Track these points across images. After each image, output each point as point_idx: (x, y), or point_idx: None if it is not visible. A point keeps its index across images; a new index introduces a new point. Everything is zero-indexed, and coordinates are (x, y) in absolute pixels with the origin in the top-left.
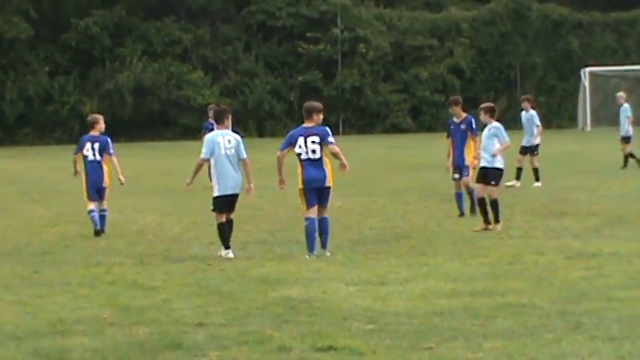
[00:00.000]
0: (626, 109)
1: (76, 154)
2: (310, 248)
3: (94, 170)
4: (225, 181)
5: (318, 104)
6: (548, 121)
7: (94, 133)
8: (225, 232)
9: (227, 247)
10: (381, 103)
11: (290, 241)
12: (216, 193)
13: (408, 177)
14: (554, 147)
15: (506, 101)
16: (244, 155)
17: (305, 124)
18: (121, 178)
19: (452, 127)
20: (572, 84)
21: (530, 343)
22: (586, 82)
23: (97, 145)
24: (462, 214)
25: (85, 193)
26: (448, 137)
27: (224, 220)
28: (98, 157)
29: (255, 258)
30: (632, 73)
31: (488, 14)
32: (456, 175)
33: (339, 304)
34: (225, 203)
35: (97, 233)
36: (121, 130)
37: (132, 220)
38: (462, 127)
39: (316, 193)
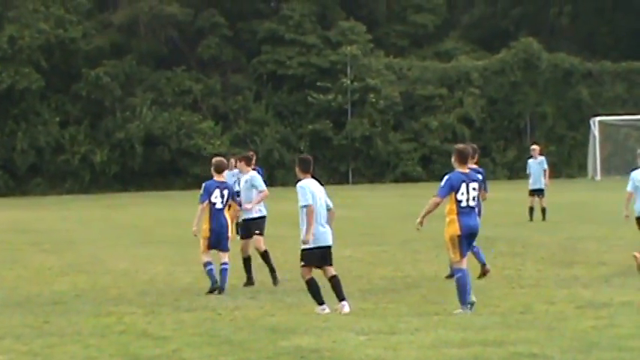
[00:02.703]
0: None
1: (202, 202)
2: None
3: (218, 218)
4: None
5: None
6: (558, 171)
7: (220, 178)
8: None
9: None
10: (391, 152)
11: (300, 290)
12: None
13: None
14: (564, 196)
15: (516, 150)
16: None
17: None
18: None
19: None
20: (582, 133)
21: None
22: (596, 131)
23: (225, 192)
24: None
25: (203, 243)
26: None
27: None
28: (222, 205)
29: (265, 307)
30: None
31: (498, 64)
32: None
33: (350, 353)
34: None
35: (215, 290)
36: (132, 180)
37: (142, 270)
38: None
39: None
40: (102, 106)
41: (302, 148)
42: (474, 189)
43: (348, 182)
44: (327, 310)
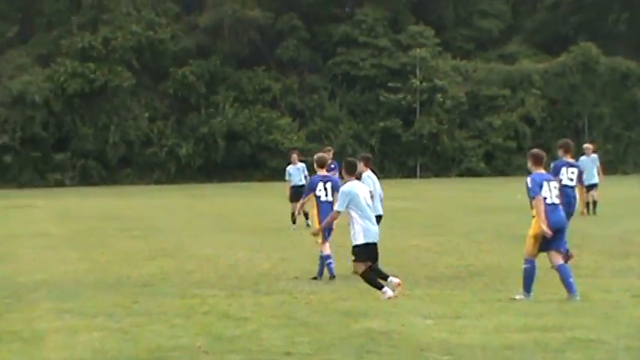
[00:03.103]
0: None
1: (306, 195)
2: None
3: (326, 211)
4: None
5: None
6: (614, 168)
7: (323, 172)
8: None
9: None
10: (456, 149)
11: None
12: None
13: (482, 218)
14: (619, 192)
15: (574, 148)
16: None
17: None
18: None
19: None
20: (637, 132)
21: None
22: None
23: (328, 185)
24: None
25: (321, 236)
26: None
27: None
28: (330, 198)
29: (339, 292)
30: None
31: (558, 67)
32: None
33: (417, 336)
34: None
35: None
36: (215, 172)
37: (224, 256)
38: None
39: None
40: (188, 103)
41: (373, 143)
42: (555, 187)
43: (415, 176)
44: (390, 293)
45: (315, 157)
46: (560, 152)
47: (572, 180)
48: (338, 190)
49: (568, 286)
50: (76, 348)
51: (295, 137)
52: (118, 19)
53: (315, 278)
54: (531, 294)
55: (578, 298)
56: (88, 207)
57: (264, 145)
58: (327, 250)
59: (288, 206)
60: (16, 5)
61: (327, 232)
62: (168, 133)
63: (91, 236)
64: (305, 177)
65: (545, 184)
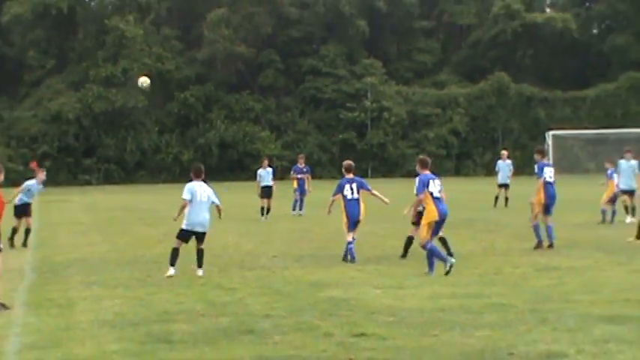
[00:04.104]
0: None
1: (335, 195)
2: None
3: (352, 207)
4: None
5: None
6: (521, 170)
7: (350, 176)
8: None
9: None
10: (399, 155)
11: (332, 256)
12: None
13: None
14: (525, 189)
15: (491, 154)
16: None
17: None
18: (386, 200)
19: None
20: (539, 143)
21: (509, 332)
22: (549, 141)
23: (354, 186)
24: (550, 244)
25: (345, 227)
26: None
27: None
28: (356, 196)
29: (307, 267)
30: (583, 135)
31: (478, 91)
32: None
33: (369, 302)
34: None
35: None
36: (210, 174)
37: (217, 239)
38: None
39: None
40: (189, 120)
41: (334, 151)
42: (439, 184)
43: (368, 177)
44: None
45: (344, 163)
46: (537, 156)
47: (551, 177)
48: (363, 188)
49: (431, 264)
50: (101, 312)
51: (273, 146)
52: (134, 54)
53: (344, 260)
54: (450, 266)
55: (433, 274)
56: (110, 201)
57: (249, 152)
58: (350, 237)
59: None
60: (53, 43)
61: (352, 223)
62: (173, 143)
63: (112, 224)
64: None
65: (430, 182)
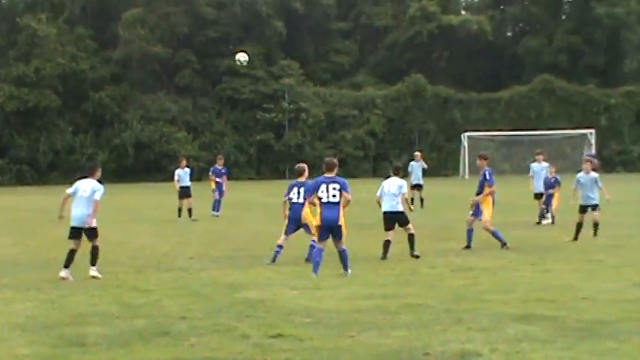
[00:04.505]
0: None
1: (285, 196)
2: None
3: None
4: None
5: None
6: (437, 171)
7: (301, 179)
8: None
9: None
10: (316, 157)
11: (250, 257)
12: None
13: None
14: (441, 190)
15: (407, 156)
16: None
17: (327, 174)
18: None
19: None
20: (455, 144)
21: (424, 332)
22: (465, 143)
23: (301, 190)
24: (468, 246)
25: (284, 229)
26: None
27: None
28: (302, 200)
29: (224, 269)
30: (497, 137)
31: (395, 93)
32: (472, 215)
33: (286, 303)
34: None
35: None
36: (125, 175)
37: (133, 241)
38: (480, 178)
39: (329, 230)
40: (103, 120)
41: (252, 152)
42: (334, 188)
43: (285, 178)
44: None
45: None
46: (483, 162)
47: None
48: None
49: (345, 266)
50: (12, 315)
51: (190, 147)
52: (47, 53)
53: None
54: (318, 272)
55: (348, 272)
56: (22, 202)
57: (165, 153)
58: (281, 241)
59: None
60: None
61: (292, 226)
62: (88, 143)
63: (24, 225)
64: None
65: (323, 186)
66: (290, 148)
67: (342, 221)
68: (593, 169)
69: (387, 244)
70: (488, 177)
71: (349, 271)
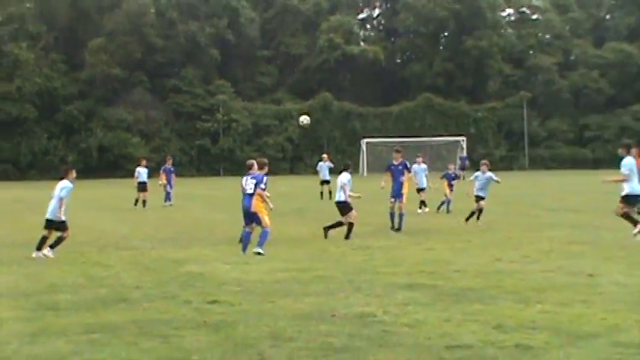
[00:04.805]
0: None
1: (264, 188)
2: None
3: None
4: None
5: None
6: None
7: (251, 172)
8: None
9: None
10: (245, 158)
11: (191, 238)
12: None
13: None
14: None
15: (317, 158)
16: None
17: (249, 172)
18: (271, 205)
19: (392, 167)
20: (356, 148)
21: (331, 298)
22: (364, 147)
23: (250, 181)
24: (393, 227)
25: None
26: (387, 172)
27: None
28: (249, 191)
29: (170, 248)
30: (390, 143)
31: (308, 107)
32: (393, 199)
33: (220, 275)
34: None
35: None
36: (90, 173)
37: (96, 225)
38: (400, 167)
39: (247, 215)
40: (73, 128)
41: (193, 154)
42: (251, 182)
43: (220, 175)
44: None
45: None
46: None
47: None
48: (257, 187)
49: (258, 242)
50: None
51: (142, 150)
52: (26, 74)
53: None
54: (246, 252)
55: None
56: (5, 195)
57: (123, 155)
58: (247, 228)
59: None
60: None
61: (246, 216)
62: (60, 147)
63: (7, 214)
64: (148, 176)
65: (244, 179)
66: (224, 151)
67: (256, 209)
68: (489, 170)
69: (338, 224)
70: (408, 166)
71: (259, 249)
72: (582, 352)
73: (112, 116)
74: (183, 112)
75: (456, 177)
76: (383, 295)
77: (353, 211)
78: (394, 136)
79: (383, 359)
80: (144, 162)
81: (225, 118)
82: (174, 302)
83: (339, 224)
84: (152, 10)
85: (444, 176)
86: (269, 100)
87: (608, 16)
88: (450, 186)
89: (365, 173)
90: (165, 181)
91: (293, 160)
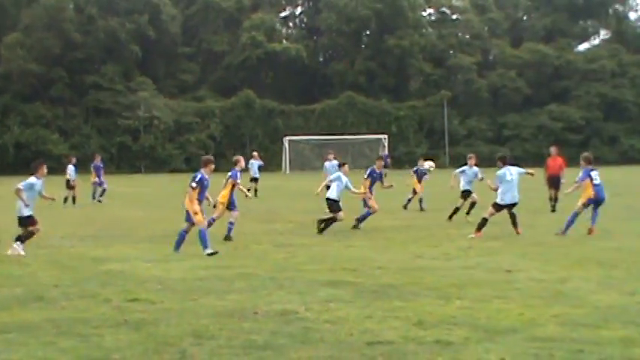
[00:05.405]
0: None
1: (238, 184)
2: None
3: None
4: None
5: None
6: (266, 168)
7: (237, 168)
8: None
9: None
10: (167, 155)
11: (111, 236)
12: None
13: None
14: (270, 182)
15: (240, 154)
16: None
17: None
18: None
19: (374, 174)
20: (278, 146)
21: (254, 296)
22: (286, 145)
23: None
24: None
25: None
26: (367, 178)
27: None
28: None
29: (90, 246)
30: (312, 141)
31: (230, 105)
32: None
33: (141, 273)
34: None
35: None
36: (7, 170)
37: (13, 223)
38: (381, 173)
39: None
40: None
41: (113, 152)
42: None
43: (141, 172)
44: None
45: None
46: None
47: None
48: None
49: (204, 244)
50: None
51: (62, 147)
52: None
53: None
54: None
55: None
56: None
57: (41, 152)
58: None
59: (63, 192)
60: None
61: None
62: None
63: None
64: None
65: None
66: (145, 148)
67: (187, 206)
68: (476, 164)
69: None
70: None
71: (207, 251)
72: (500, 347)
73: (30, 112)
74: (104, 109)
75: (427, 173)
76: (305, 293)
77: (340, 213)
78: (317, 134)
79: (305, 356)
80: (74, 160)
81: (146, 115)
82: (93, 301)
83: (332, 220)
84: (71, 6)
85: (415, 172)
86: (191, 98)
87: (525, 17)
88: (420, 181)
89: (287, 171)
90: (96, 179)
91: (216, 157)
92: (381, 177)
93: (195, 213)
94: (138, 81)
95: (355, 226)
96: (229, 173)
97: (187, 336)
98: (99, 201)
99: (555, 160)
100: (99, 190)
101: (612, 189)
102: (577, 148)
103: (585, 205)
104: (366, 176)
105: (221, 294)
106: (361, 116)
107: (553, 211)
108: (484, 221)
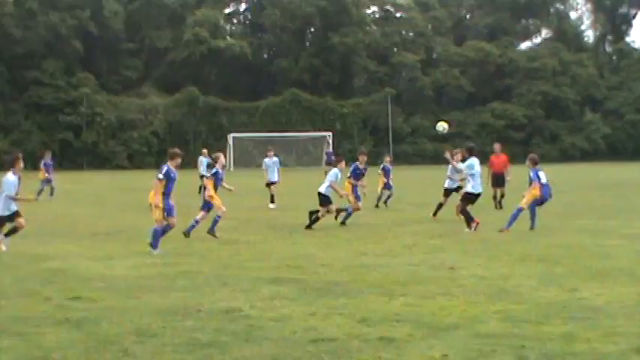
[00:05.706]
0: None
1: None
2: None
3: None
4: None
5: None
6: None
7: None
8: None
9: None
10: (110, 152)
11: (52, 233)
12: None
13: (128, 195)
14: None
15: (185, 152)
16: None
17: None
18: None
19: (357, 171)
20: (222, 143)
21: (198, 293)
22: (230, 142)
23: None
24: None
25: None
26: (350, 177)
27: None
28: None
29: (30, 243)
30: (257, 138)
31: (174, 101)
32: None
33: (83, 271)
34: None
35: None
36: None
37: None
38: (365, 169)
39: None
40: None
41: (55, 149)
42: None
43: (83, 169)
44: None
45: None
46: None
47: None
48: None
49: (154, 242)
50: None
51: (1, 143)
52: None
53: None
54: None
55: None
56: None
57: None
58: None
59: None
60: None
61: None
62: None
63: None
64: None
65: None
66: (87, 145)
67: (151, 199)
68: (462, 160)
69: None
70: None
71: (153, 251)
72: (444, 343)
73: None
74: (45, 105)
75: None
76: (249, 290)
77: (332, 205)
78: (261, 131)
79: (249, 354)
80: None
81: (88, 111)
82: (33, 299)
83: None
84: (10, 0)
85: (382, 169)
86: (134, 94)
87: (468, 16)
88: (387, 179)
89: (232, 168)
90: (46, 176)
91: (159, 153)
92: (364, 172)
93: (157, 206)
94: (80, 77)
95: (343, 223)
96: (213, 170)
97: (130, 334)
98: (44, 197)
99: (499, 157)
100: (47, 188)
101: (554, 186)
102: (519, 145)
103: (530, 204)
104: (349, 175)
105: (164, 292)
106: (305, 113)
107: (500, 208)
108: (468, 213)
